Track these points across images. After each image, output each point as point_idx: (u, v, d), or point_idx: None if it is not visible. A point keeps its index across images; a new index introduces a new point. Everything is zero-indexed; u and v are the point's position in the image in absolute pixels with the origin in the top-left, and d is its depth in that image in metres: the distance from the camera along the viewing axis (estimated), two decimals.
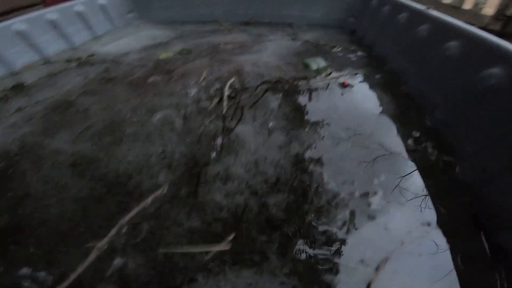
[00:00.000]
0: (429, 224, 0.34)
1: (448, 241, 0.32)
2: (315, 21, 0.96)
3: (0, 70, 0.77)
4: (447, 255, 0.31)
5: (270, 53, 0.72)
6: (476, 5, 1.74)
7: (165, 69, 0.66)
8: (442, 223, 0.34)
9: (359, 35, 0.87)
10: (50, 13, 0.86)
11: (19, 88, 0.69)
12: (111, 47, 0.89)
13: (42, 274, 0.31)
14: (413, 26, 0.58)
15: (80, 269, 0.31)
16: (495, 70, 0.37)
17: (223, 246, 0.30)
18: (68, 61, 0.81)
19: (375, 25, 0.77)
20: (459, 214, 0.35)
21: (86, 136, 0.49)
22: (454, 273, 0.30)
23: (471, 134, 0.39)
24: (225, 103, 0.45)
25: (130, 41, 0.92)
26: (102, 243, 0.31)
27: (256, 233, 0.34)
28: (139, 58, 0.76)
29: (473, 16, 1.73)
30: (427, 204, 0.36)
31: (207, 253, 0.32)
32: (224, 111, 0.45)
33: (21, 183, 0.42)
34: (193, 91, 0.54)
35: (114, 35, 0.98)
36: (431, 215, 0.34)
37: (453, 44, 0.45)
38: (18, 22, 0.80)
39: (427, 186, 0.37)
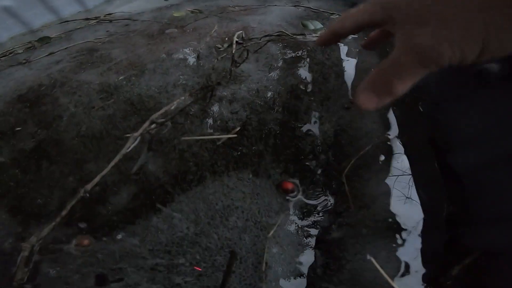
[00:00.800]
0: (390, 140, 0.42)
1: (410, 162, 0.39)
2: None
3: (21, 28, 0.83)
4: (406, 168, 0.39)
5: (274, 15, 0.78)
6: None
7: (179, 24, 0.73)
8: (404, 144, 0.42)
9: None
10: None
11: (46, 40, 0.76)
12: (125, 8, 0.95)
13: (72, 179, 0.39)
14: None
15: (117, 158, 0.39)
16: None
17: (231, 134, 0.39)
18: (87, 19, 0.87)
19: None
20: (419, 139, 0.43)
21: (111, 71, 0.57)
22: (410, 189, 0.37)
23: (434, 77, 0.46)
24: (234, 46, 0.53)
25: (142, 3, 0.98)
26: (137, 133, 0.40)
27: (255, 140, 0.43)
28: (154, 16, 0.83)
29: None
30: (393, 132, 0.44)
31: (217, 141, 0.41)
32: (233, 51, 0.52)
33: (53, 107, 0.50)
34: (206, 39, 0.61)
35: None
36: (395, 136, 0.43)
37: None
38: None
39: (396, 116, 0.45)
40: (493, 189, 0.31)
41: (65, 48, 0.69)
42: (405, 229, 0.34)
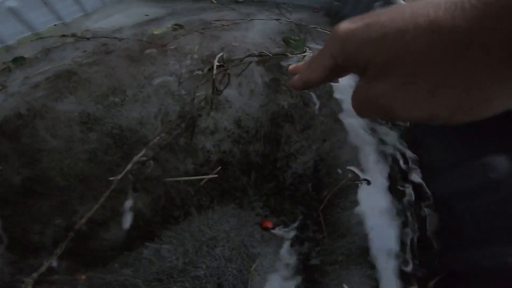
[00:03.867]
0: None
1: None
2: (301, 2, 1.02)
3: None
4: None
5: (256, 31, 0.78)
6: None
7: (159, 43, 0.72)
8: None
9: (340, 17, 0.94)
10: None
11: (20, 60, 0.73)
12: (104, 23, 0.92)
13: (61, 218, 0.39)
14: None
15: (101, 200, 0.40)
16: None
17: (212, 175, 0.40)
18: (64, 36, 0.84)
19: (356, 11, 0.84)
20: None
21: (90, 98, 0.56)
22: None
23: None
24: (215, 71, 0.53)
25: (122, 17, 0.95)
26: (120, 176, 0.40)
27: (238, 174, 0.44)
28: (133, 33, 0.81)
29: None
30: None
31: (200, 181, 0.41)
32: (213, 76, 0.52)
33: (34, 139, 0.49)
34: (186, 62, 0.61)
35: (105, 12, 1.01)
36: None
37: None
38: None
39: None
40: (466, 217, 0.34)
41: (40, 72, 0.66)
42: (377, 256, 0.36)
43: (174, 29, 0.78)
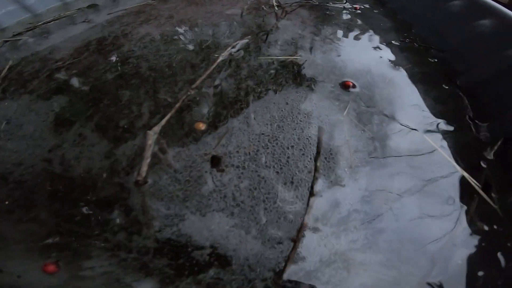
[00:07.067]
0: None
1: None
2: None
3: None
4: None
5: None
6: None
7: None
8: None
9: None
10: None
11: (93, 7, 0.85)
12: None
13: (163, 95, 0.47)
14: None
15: (209, 71, 0.48)
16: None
17: (296, 56, 0.49)
18: None
19: None
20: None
21: (166, 25, 0.67)
22: None
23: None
24: (275, 7, 0.64)
25: None
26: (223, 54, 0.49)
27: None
28: None
29: None
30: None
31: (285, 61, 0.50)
32: (275, 10, 0.63)
33: (121, 51, 0.58)
34: (244, 5, 0.72)
35: None
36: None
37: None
38: None
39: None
40: None
41: (113, 13, 0.78)
42: None
43: None
